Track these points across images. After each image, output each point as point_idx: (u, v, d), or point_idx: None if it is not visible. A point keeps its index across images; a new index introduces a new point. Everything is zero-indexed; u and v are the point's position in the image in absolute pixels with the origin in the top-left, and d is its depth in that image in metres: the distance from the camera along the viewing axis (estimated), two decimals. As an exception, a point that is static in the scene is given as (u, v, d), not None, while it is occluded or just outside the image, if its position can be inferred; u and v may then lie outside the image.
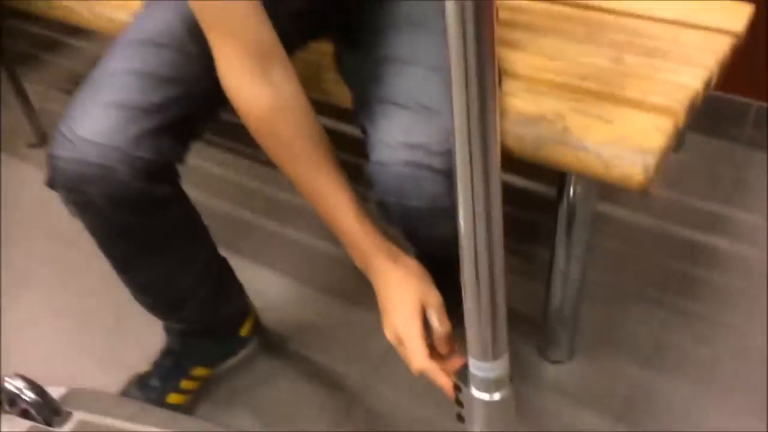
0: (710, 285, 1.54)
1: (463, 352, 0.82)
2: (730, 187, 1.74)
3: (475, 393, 0.77)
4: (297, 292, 1.60)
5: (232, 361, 1.43)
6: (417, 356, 0.84)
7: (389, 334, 0.87)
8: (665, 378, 1.37)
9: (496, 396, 0.77)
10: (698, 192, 1.73)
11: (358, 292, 1.58)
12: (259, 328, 1.47)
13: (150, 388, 1.32)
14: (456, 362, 0.83)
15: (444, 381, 0.83)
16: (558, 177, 1.15)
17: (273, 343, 1.50)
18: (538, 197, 1.67)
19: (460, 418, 0.81)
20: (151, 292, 1.16)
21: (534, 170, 1.12)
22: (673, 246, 1.63)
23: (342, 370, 1.44)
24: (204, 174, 1.89)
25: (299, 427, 1.34)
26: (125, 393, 1.34)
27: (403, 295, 0.87)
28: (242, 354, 1.44)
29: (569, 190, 1.18)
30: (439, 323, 0.87)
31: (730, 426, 1.27)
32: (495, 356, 0.74)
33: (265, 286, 1.61)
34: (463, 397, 0.79)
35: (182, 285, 1.16)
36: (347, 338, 1.49)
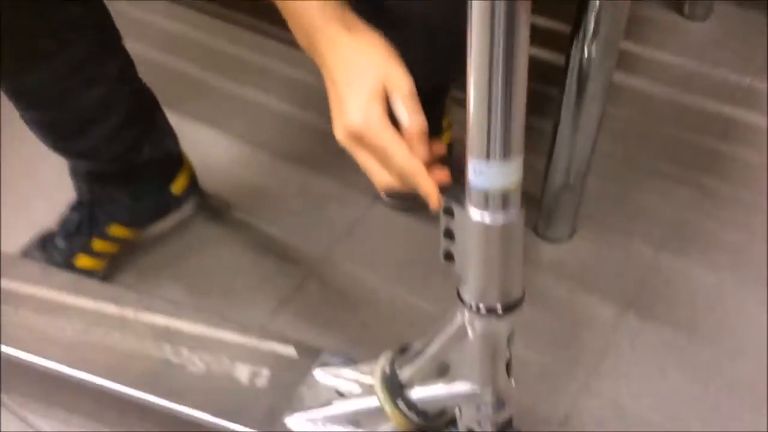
0: (739, 163, 1.30)
1: (453, 164, 0.62)
2: (761, 59, 1.48)
3: (474, 213, 0.56)
4: (250, 157, 1.34)
5: (162, 225, 1.17)
6: (388, 148, 0.60)
7: (341, 132, 0.62)
8: (684, 262, 1.14)
9: (501, 218, 0.56)
10: (726, 63, 1.47)
11: (322, 160, 1.36)
12: (196, 189, 1.21)
13: (54, 248, 1.07)
14: (438, 176, 0.62)
15: (428, 185, 0.60)
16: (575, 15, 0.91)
17: (215, 210, 1.24)
18: (545, 64, 1.41)
19: (449, 256, 0.61)
20: (45, 102, 0.90)
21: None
22: (697, 120, 1.38)
23: (294, 243, 1.19)
24: (151, 28, 1.60)
25: (237, 302, 1.10)
26: (26, 254, 1.09)
27: (360, 74, 0.61)
28: (175, 217, 1.18)
29: (587, 27, 0.93)
30: (410, 115, 0.61)
31: (761, 316, 1.06)
32: (506, 153, 0.53)
33: (213, 147, 1.35)
34: (454, 225, 0.59)
35: (85, 99, 0.90)
36: (304, 209, 1.24)
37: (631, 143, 1.34)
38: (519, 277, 0.62)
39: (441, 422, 0.75)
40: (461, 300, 0.63)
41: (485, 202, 0.55)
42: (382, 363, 0.78)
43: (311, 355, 0.94)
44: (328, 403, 0.82)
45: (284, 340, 0.97)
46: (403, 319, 1.08)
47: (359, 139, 0.60)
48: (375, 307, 1.09)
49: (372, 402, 0.76)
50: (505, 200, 0.55)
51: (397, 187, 0.62)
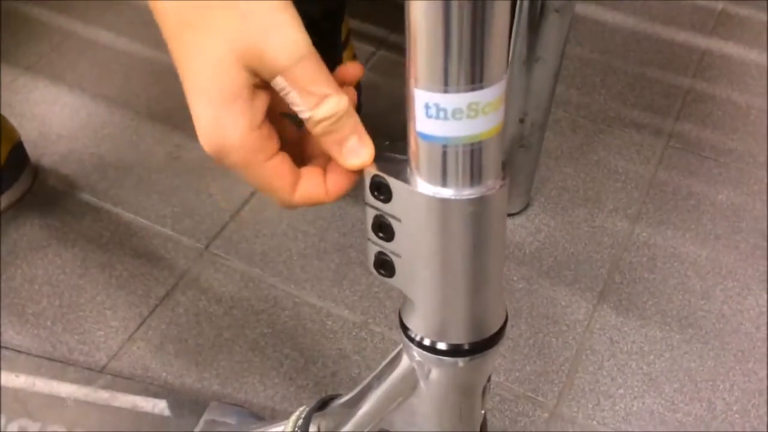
0: (720, 103, 1.07)
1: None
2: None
3: (423, 187, 0.36)
4: (101, 118, 1.01)
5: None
6: (260, 180, 0.39)
7: (205, 140, 0.38)
8: (667, 235, 0.90)
9: (472, 191, 0.35)
10: (695, -13, 1.23)
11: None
12: (24, 164, 0.89)
13: None
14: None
15: (324, 191, 0.40)
16: None
17: (52, 192, 0.92)
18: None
19: (383, 265, 0.40)
20: None
21: None
22: (665, 54, 1.13)
23: (161, 233, 0.89)
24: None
25: (80, 328, 0.80)
26: None
27: (203, 69, 0.36)
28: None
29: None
30: (306, 101, 0.36)
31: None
32: (481, 75, 0.32)
33: (50, 107, 1.01)
34: (391, 211, 0.38)
35: None
36: (175, 187, 0.93)
37: (590, 87, 1.08)
38: (500, 291, 0.41)
39: None
40: (406, 334, 0.42)
41: (443, 167, 0.34)
42: (293, 423, 0.55)
43: (191, 413, 0.67)
44: None
45: (149, 389, 0.69)
46: (312, 332, 0.80)
47: (222, 150, 0.37)
48: (274, 319, 0.81)
49: None
50: (476, 160, 0.34)
51: (301, 206, 0.40)
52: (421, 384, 0.44)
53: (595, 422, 0.74)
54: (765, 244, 0.90)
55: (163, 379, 0.75)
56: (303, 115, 0.36)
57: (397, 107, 1.03)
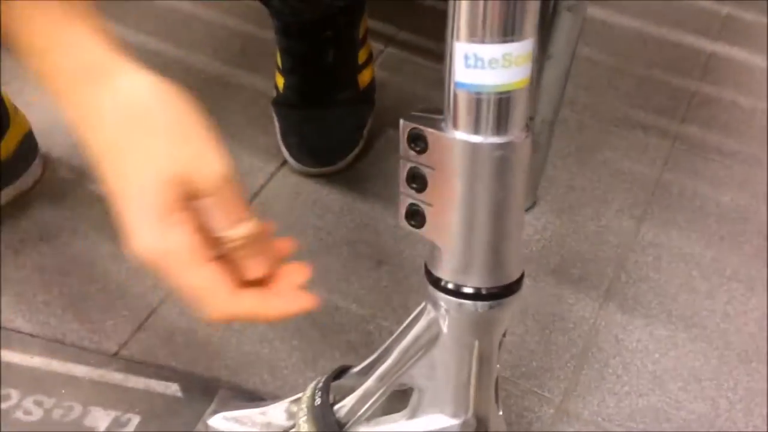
0: (726, 107, 1.08)
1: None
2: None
3: (458, 134, 0.41)
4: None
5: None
6: (200, 292, 0.42)
7: (144, 247, 0.41)
8: (673, 235, 0.91)
9: (500, 138, 0.41)
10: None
11: (208, 108, 1.07)
12: (34, 153, 0.90)
13: None
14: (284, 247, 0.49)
15: (279, 311, 0.45)
16: None
17: (63, 182, 0.92)
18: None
19: (414, 215, 0.46)
20: None
21: None
22: (672, 57, 1.14)
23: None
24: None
25: (92, 316, 0.80)
26: None
27: (137, 170, 0.41)
28: (3, 193, 0.86)
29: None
30: (226, 220, 0.42)
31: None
32: (515, 28, 0.38)
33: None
34: (425, 161, 0.43)
35: None
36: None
37: (598, 88, 1.09)
38: (518, 244, 0.46)
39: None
40: (432, 282, 0.47)
41: (476, 115, 0.40)
42: (309, 394, 0.56)
43: (203, 395, 0.68)
44: None
45: (161, 373, 0.70)
46: (320, 324, 0.81)
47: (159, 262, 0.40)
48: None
49: None
50: (505, 109, 0.40)
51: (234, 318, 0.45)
52: (444, 331, 0.47)
53: (600, 419, 0.75)
54: (769, 246, 0.91)
55: (172, 369, 0.76)
56: (220, 233, 0.41)
57: (405, 102, 1.04)
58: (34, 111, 0.93)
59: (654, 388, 0.78)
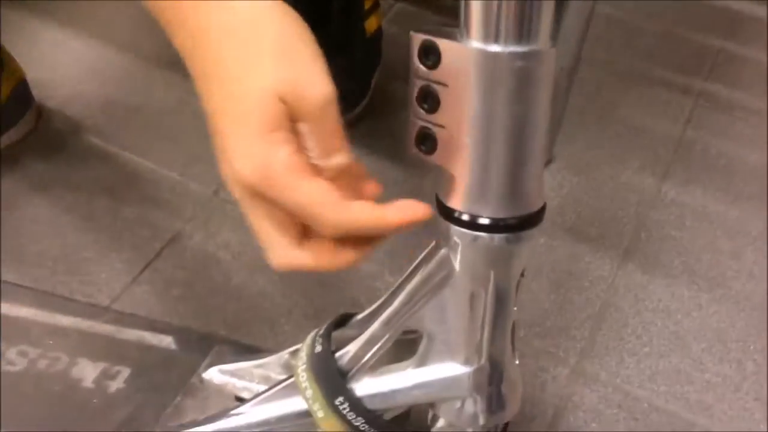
0: (752, 65, 1.03)
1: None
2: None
3: (476, 43, 0.37)
4: (109, 61, 0.98)
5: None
6: (306, 206, 0.38)
7: (231, 185, 0.40)
8: (696, 194, 0.86)
9: (522, 47, 0.36)
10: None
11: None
12: (29, 103, 0.86)
13: None
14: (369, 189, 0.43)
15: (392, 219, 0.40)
16: None
17: (57, 133, 0.89)
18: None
19: (425, 139, 0.41)
20: None
21: None
22: (695, 14, 1.09)
23: (171, 180, 0.85)
24: None
25: (83, 269, 0.77)
26: None
27: (243, 85, 0.38)
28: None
29: None
30: (323, 147, 0.39)
31: None
32: None
33: (56, 48, 0.98)
34: (439, 77, 0.39)
35: None
36: (185, 132, 0.90)
37: (617, 46, 1.05)
38: (540, 170, 0.41)
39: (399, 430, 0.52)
40: (444, 213, 0.42)
41: (496, 21, 0.35)
42: (309, 342, 0.52)
43: (198, 348, 0.64)
44: (223, 415, 0.54)
45: (155, 326, 0.66)
46: (323, 280, 0.77)
47: (260, 194, 0.38)
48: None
49: (292, 405, 0.51)
50: (528, 15, 0.35)
51: (301, 267, 0.41)
52: (456, 269, 0.43)
53: (618, 380, 0.71)
54: (798, 206, 0.86)
55: (167, 323, 0.72)
56: (314, 161, 0.38)
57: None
58: (30, 63, 0.90)
59: (675, 349, 0.73)
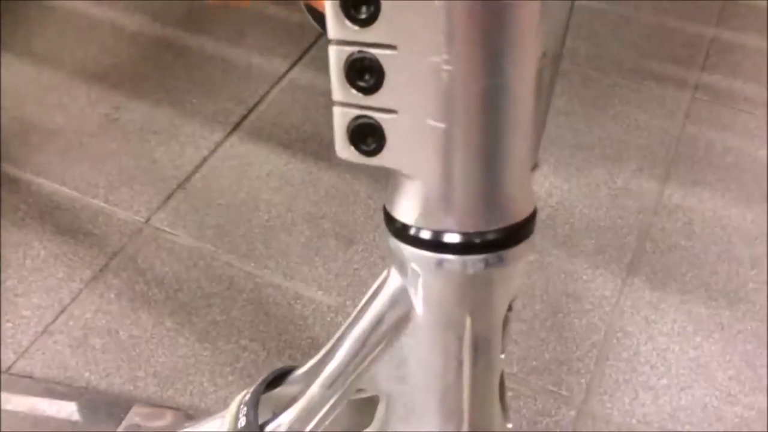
0: (748, 53, 0.93)
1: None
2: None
3: None
4: (25, 75, 0.86)
5: None
6: None
7: None
8: (702, 197, 0.75)
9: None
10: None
11: (151, 77, 0.86)
12: None
13: None
14: None
15: None
16: None
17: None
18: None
19: (364, 130, 0.29)
20: None
21: None
22: (683, 3, 1.00)
23: (112, 197, 0.73)
24: None
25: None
26: None
27: None
28: None
29: None
30: None
31: None
32: None
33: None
34: (380, 27, 0.26)
35: None
36: (123, 148, 0.78)
37: (601, 38, 0.94)
38: (526, 163, 0.31)
39: None
40: (396, 231, 0.31)
41: None
42: (233, 410, 0.39)
43: (110, 414, 0.51)
44: None
45: (54, 390, 0.53)
46: (277, 318, 0.64)
47: None
48: (229, 303, 0.65)
49: None
50: None
51: None
52: (416, 311, 0.31)
53: (634, 420, 0.59)
54: (819, 204, 0.75)
55: (86, 379, 0.59)
56: None
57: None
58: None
59: (698, 379, 0.62)
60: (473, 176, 0.28)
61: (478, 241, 0.29)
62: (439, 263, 0.29)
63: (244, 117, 0.82)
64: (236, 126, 0.81)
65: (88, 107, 0.82)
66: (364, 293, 0.67)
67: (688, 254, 0.71)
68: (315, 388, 0.34)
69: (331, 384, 0.34)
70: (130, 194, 0.73)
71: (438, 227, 0.29)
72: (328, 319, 0.65)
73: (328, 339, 0.63)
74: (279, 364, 0.61)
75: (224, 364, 0.61)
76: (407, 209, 0.30)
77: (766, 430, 0.59)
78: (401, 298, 0.32)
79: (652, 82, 0.88)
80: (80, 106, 0.82)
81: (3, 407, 0.50)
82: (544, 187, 0.76)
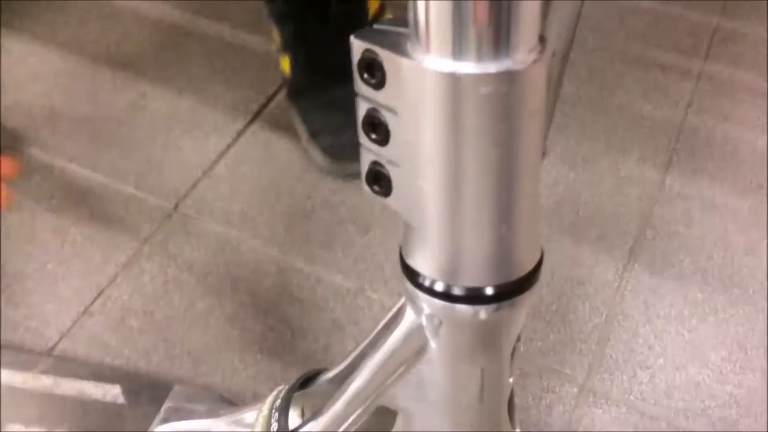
0: (750, 42, 0.96)
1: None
2: None
3: (432, 62, 0.26)
4: (56, 66, 0.89)
5: None
6: None
7: None
8: (703, 185, 0.79)
9: (500, 65, 0.25)
10: None
11: (166, 67, 0.89)
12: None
13: None
14: None
15: None
16: None
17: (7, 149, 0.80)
18: None
19: (378, 177, 0.31)
20: None
21: None
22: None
23: (127, 193, 0.77)
24: None
25: (22, 303, 0.68)
26: None
27: None
28: None
29: None
30: None
31: None
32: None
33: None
34: (387, 100, 0.28)
35: None
36: (140, 141, 0.82)
37: (607, 28, 0.97)
38: (534, 217, 0.32)
39: None
40: (410, 277, 0.32)
41: (455, 28, 0.25)
42: (269, 405, 0.43)
43: (150, 398, 0.56)
44: None
45: (100, 373, 0.58)
46: (300, 300, 0.69)
47: None
48: (255, 287, 0.70)
49: None
50: (505, 17, 0.25)
51: None
52: (432, 345, 0.34)
53: (632, 397, 0.64)
54: (813, 193, 0.79)
55: (125, 357, 0.63)
56: None
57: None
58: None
59: (693, 360, 0.66)
60: (473, 235, 0.29)
61: (488, 293, 0.31)
62: (451, 309, 0.31)
63: (264, 105, 0.85)
64: (256, 114, 0.84)
65: (114, 95, 0.85)
66: (382, 277, 0.72)
67: (686, 241, 0.75)
68: (340, 405, 0.38)
69: (354, 400, 0.37)
70: (158, 181, 0.77)
71: (448, 280, 0.31)
72: (348, 301, 0.69)
73: (349, 319, 0.68)
74: (303, 345, 0.66)
75: (253, 343, 0.66)
76: (419, 258, 0.31)
77: (755, 407, 0.64)
78: (416, 333, 0.34)
79: (656, 71, 0.91)
80: (107, 93, 0.86)
81: (53, 392, 0.54)
82: (551, 176, 0.80)
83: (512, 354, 0.36)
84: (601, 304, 0.70)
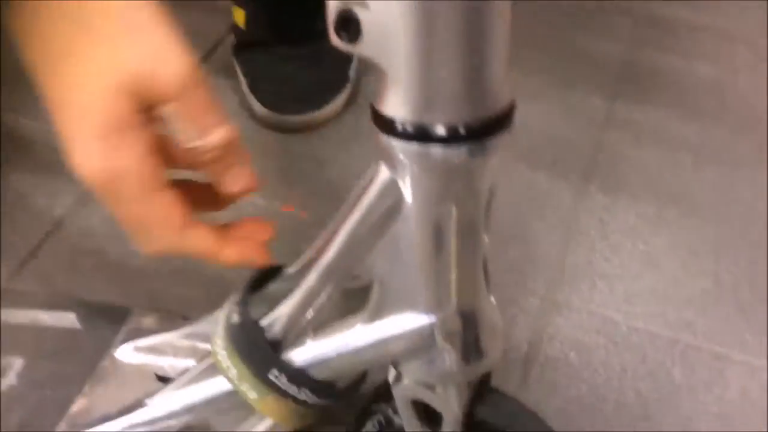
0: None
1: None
2: None
3: None
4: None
5: None
6: (145, 217, 0.36)
7: (93, 171, 0.34)
8: (648, 111, 0.82)
9: None
10: None
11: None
12: None
13: None
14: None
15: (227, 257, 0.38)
16: None
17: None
18: None
19: (346, 21, 0.31)
20: None
21: None
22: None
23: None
24: None
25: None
26: None
27: (79, 78, 0.33)
28: None
29: None
30: (196, 127, 0.35)
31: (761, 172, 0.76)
32: None
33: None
34: None
35: None
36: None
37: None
38: (505, 53, 0.32)
39: (356, 399, 0.44)
40: (382, 125, 0.33)
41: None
42: (226, 311, 0.43)
43: (109, 323, 0.54)
44: (138, 405, 0.46)
45: (54, 302, 0.56)
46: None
47: (105, 178, 0.33)
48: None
49: (219, 385, 0.44)
50: None
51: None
52: (406, 200, 0.34)
53: (593, 305, 0.65)
54: (755, 117, 0.82)
55: (67, 295, 0.61)
56: (189, 144, 0.35)
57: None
58: None
59: (649, 268, 0.68)
60: (448, 61, 0.29)
61: (461, 130, 0.31)
62: (426, 154, 0.31)
63: (210, 52, 0.84)
64: (201, 61, 0.83)
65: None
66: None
67: (636, 163, 0.77)
68: (311, 280, 0.37)
69: (328, 272, 0.37)
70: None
71: (420, 120, 0.31)
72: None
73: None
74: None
75: (220, 276, 0.65)
76: (392, 104, 0.31)
77: (709, 308, 0.66)
78: (391, 189, 0.34)
79: (595, 11, 0.94)
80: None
81: (5, 321, 0.52)
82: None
83: (488, 207, 0.36)
84: (559, 223, 0.71)
